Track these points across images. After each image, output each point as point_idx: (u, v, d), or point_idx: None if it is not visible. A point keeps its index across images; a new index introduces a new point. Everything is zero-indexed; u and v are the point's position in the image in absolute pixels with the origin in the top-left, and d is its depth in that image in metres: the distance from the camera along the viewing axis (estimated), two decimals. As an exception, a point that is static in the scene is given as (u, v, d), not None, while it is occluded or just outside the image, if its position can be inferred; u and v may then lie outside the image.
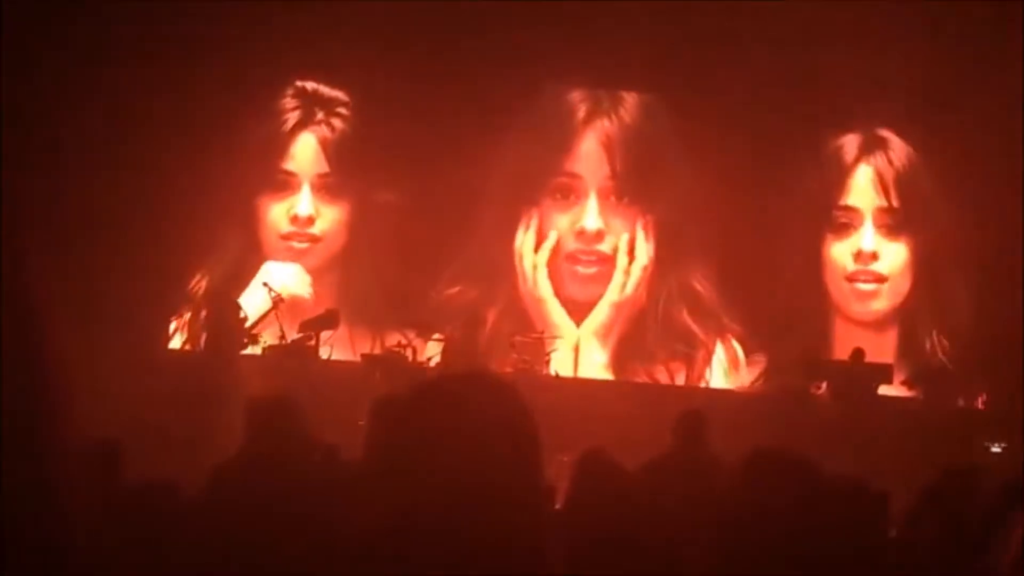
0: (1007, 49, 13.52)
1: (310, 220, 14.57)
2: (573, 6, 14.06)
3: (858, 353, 13.02)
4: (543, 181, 14.58)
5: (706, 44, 14.06)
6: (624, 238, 14.52)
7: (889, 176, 14.52)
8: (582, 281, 14.58)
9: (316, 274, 14.53)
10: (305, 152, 14.66)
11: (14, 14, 11.62)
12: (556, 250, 14.56)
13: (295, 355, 12.90)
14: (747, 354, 14.36)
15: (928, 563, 4.69)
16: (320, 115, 14.65)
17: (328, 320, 13.29)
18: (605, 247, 14.56)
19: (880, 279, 14.44)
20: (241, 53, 13.85)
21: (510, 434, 1.79)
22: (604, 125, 14.66)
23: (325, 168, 14.60)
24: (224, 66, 13.83)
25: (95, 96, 13.12)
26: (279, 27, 13.90)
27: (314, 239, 14.60)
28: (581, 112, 14.68)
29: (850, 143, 14.58)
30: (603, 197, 14.55)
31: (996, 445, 12.34)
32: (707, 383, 14.30)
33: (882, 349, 13.95)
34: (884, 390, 13.11)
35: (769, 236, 14.20)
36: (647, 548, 3.68)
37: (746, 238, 14.07)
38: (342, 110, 14.65)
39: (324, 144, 14.65)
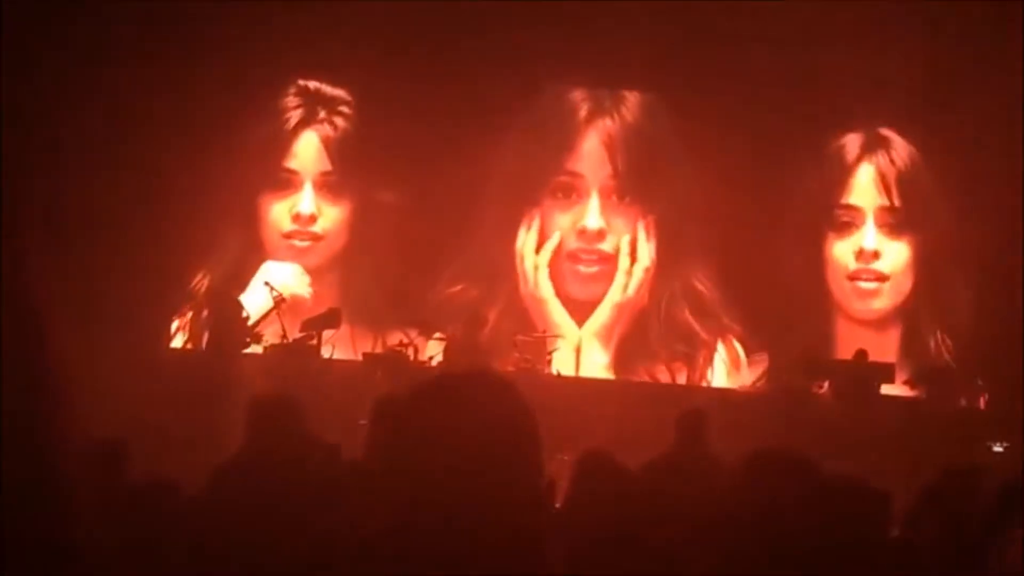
0: (1007, 49, 13.52)
1: (312, 218, 14.57)
2: (573, 6, 14.06)
3: (861, 354, 13.03)
4: (544, 180, 14.58)
5: (706, 44, 14.05)
6: (625, 239, 14.51)
7: (891, 175, 14.51)
8: (583, 280, 14.57)
9: (318, 273, 14.52)
10: (307, 150, 14.66)
11: (14, 14, 11.62)
12: (558, 250, 14.56)
13: (297, 354, 12.89)
14: (748, 354, 14.36)
15: (928, 563, 4.69)
16: (322, 114, 14.64)
17: (330, 319, 13.28)
18: (607, 246, 14.56)
19: (882, 278, 14.43)
20: (242, 53, 13.84)
21: (511, 433, 1.79)
22: (606, 124, 14.65)
23: (328, 166, 14.60)
24: (225, 66, 13.82)
25: (95, 96, 13.11)
26: (280, 27, 13.90)
27: (316, 238, 14.60)
28: (583, 111, 14.68)
29: (852, 142, 14.58)
30: (605, 196, 14.54)
31: (998, 445, 12.34)
32: (708, 383, 14.30)
33: (884, 348, 13.94)
34: (886, 389, 13.11)
35: (770, 236, 14.19)
36: (647, 548, 3.68)
37: (747, 237, 14.06)
38: (344, 109, 14.64)
39: (327, 142, 14.65)
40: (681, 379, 14.32)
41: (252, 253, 14.41)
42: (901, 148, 14.53)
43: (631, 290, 14.44)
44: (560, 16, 14.03)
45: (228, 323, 12.79)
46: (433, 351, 13.37)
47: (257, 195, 14.53)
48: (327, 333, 13.19)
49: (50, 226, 11.11)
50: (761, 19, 13.74)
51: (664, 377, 14.31)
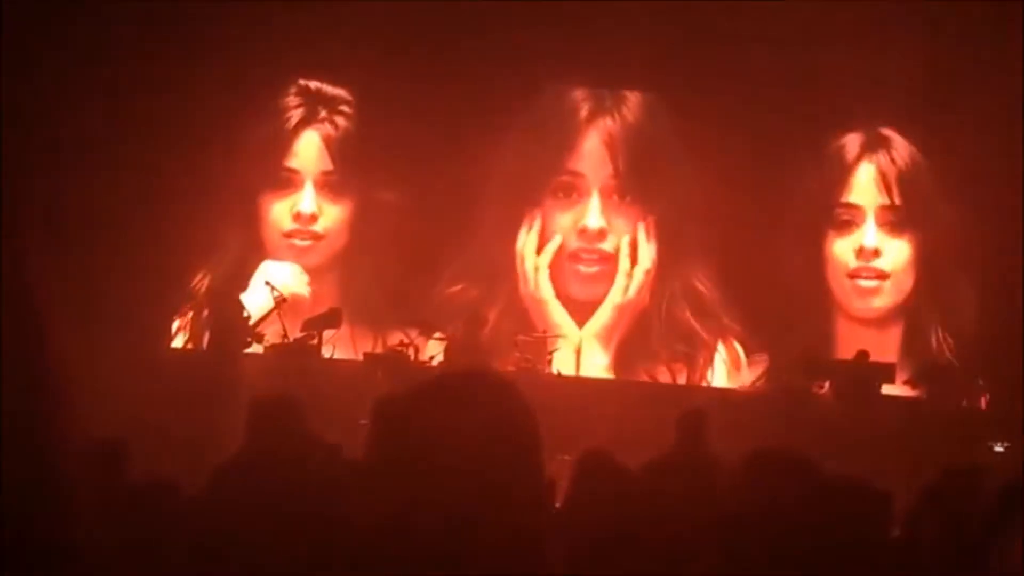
0: (1007, 49, 13.52)
1: (313, 218, 14.57)
2: (573, 6, 14.06)
3: (862, 355, 13.03)
4: (545, 180, 14.58)
5: (706, 44, 14.06)
6: (626, 240, 14.51)
7: (892, 174, 14.51)
8: (584, 280, 14.57)
9: (318, 272, 14.52)
10: (308, 150, 14.65)
11: (14, 14, 11.62)
12: (559, 251, 14.56)
13: (297, 354, 12.89)
14: (749, 354, 14.35)
15: (929, 563, 4.69)
16: (323, 113, 14.64)
17: (331, 319, 13.28)
18: (607, 246, 14.56)
19: (882, 276, 14.43)
20: (242, 53, 13.84)
21: (511, 433, 1.79)
22: (607, 124, 14.66)
23: (329, 166, 14.59)
24: (225, 66, 13.82)
25: (95, 96, 13.11)
26: (280, 27, 13.90)
27: (316, 237, 14.60)
28: (584, 111, 14.68)
29: (852, 142, 14.58)
30: (606, 196, 14.54)
31: (999, 445, 12.34)
32: (709, 383, 14.30)
33: (885, 347, 13.93)
34: (887, 389, 13.10)
35: (770, 236, 14.19)
36: (647, 548, 3.68)
37: (747, 237, 14.07)
38: (345, 108, 14.64)
39: (328, 142, 14.64)
40: (681, 379, 14.32)
41: (253, 253, 14.40)
42: (901, 147, 14.53)
43: (632, 292, 14.44)
44: (560, 16, 14.04)
45: (229, 323, 12.79)
46: (433, 351, 13.37)
47: (258, 194, 14.53)
48: (328, 333, 13.19)
49: (50, 226, 11.11)
50: (761, 19, 13.74)
51: (664, 377, 14.31)
